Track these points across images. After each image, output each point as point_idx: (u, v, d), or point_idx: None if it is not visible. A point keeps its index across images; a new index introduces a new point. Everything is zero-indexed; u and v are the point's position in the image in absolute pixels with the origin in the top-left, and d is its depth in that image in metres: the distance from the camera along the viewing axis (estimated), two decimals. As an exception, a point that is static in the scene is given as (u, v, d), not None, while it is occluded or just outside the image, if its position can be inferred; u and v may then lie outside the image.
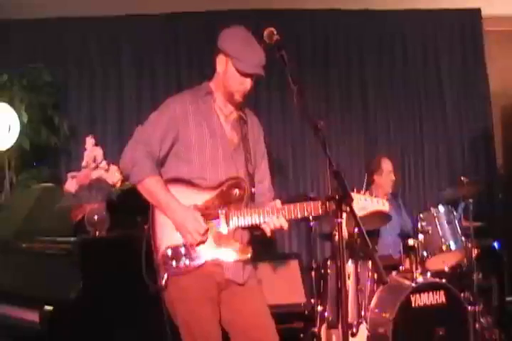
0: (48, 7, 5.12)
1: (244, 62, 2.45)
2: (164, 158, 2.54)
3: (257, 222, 2.47)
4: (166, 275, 2.43)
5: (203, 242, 2.44)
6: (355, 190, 2.48)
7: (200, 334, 2.43)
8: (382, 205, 2.52)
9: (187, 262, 2.43)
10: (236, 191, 2.49)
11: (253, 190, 2.60)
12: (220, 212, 2.47)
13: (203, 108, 2.55)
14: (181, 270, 2.42)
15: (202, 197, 2.48)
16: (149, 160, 2.47)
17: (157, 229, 2.48)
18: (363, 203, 2.47)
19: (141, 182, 2.46)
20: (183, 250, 2.44)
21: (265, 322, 2.54)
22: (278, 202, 2.51)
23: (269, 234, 2.51)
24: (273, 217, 2.45)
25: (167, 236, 2.46)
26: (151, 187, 2.46)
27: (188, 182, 2.49)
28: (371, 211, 2.50)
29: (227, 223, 2.47)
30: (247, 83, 2.51)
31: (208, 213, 2.46)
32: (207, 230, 2.43)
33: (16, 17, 5.23)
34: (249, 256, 2.50)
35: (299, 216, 2.47)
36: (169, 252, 2.44)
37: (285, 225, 2.47)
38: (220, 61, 2.53)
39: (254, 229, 2.60)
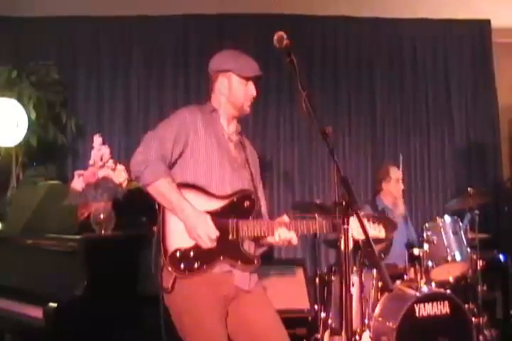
0: (60, 5, 5.14)
1: (244, 68, 2.61)
2: (173, 163, 2.53)
3: (266, 234, 2.48)
4: (173, 277, 2.40)
5: (212, 247, 2.41)
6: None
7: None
8: (379, 232, 2.57)
9: (195, 266, 2.40)
10: (247, 203, 2.50)
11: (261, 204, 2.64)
12: (230, 220, 2.46)
13: (211, 121, 2.59)
14: (189, 273, 2.39)
15: (212, 205, 2.47)
16: (162, 163, 2.46)
17: (167, 230, 2.44)
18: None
19: (153, 183, 2.42)
20: (192, 253, 2.41)
21: (276, 327, 2.53)
22: (285, 217, 2.54)
23: (277, 244, 2.52)
24: (284, 229, 2.47)
25: (177, 238, 2.42)
26: (163, 188, 2.42)
27: (199, 189, 2.48)
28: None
29: (237, 232, 2.46)
30: (253, 89, 2.64)
31: (218, 221, 2.44)
32: (218, 236, 2.41)
33: (29, 14, 5.25)
34: (257, 266, 2.51)
35: (305, 232, 2.50)
36: (178, 254, 2.40)
37: (295, 239, 2.49)
38: (222, 82, 2.63)
39: (259, 244, 2.60)
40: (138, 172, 2.45)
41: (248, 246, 2.53)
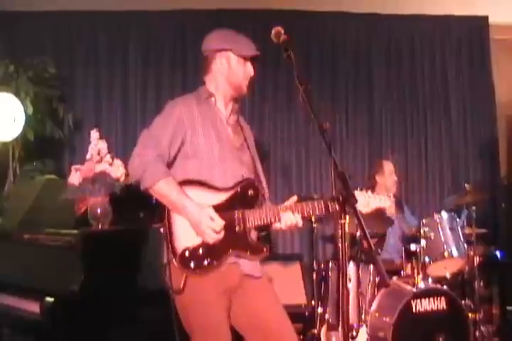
0: (57, 0, 5.12)
1: (244, 48, 2.59)
2: (173, 160, 2.52)
3: (273, 221, 2.46)
4: (183, 278, 2.38)
5: (220, 242, 2.40)
6: (358, 188, 2.50)
7: (215, 336, 2.42)
8: (384, 202, 2.55)
9: (205, 263, 2.39)
10: (250, 191, 2.49)
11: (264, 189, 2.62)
12: (236, 212, 2.45)
13: (207, 110, 2.56)
14: (200, 270, 2.39)
15: (217, 198, 2.46)
16: (160, 164, 2.44)
17: (173, 231, 2.43)
18: (367, 200, 2.50)
19: (154, 186, 2.41)
20: (201, 250, 2.40)
21: (283, 319, 2.54)
22: (294, 198, 2.52)
23: (284, 230, 2.52)
24: (289, 214, 2.44)
25: (184, 237, 2.41)
26: (164, 190, 2.41)
27: (202, 184, 2.46)
28: (374, 208, 2.52)
29: (244, 223, 2.44)
30: (251, 68, 2.62)
31: (223, 214, 2.42)
32: (223, 227, 2.40)
33: (26, 9, 5.22)
34: (266, 254, 2.50)
35: (312, 213, 2.48)
36: (187, 253, 2.39)
37: (300, 222, 2.47)
38: (220, 61, 2.58)
39: (262, 229, 2.59)
40: (137, 176, 2.43)
41: (255, 235, 2.53)
